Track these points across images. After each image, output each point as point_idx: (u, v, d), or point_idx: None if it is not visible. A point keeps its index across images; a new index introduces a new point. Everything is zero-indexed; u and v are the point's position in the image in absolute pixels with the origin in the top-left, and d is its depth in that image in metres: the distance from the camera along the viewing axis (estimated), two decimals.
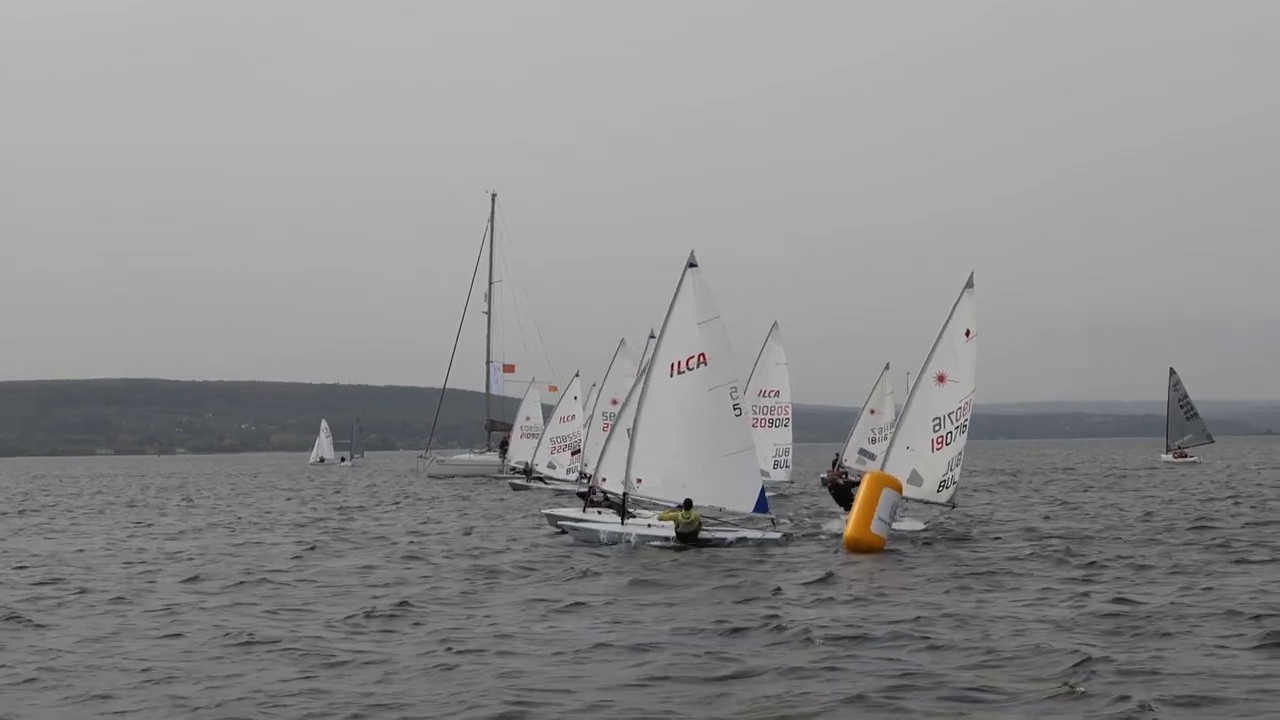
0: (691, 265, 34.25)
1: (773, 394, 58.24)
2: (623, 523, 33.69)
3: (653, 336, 54.77)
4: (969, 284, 35.59)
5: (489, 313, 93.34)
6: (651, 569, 27.92)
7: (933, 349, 35.42)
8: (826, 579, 25.54)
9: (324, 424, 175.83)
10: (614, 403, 58.14)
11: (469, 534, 38.56)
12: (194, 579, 27.43)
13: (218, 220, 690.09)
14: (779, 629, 19.38)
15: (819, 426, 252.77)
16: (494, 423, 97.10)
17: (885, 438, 71.17)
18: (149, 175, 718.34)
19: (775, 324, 58.54)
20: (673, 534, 32.52)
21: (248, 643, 19.06)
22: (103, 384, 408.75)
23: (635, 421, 33.84)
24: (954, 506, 36.30)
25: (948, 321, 35.41)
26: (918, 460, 35.21)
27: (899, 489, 32.82)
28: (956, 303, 35.54)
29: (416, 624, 20.83)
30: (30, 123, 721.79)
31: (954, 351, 35.26)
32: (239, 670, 17.08)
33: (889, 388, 72.13)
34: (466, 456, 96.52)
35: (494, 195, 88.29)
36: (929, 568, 27.54)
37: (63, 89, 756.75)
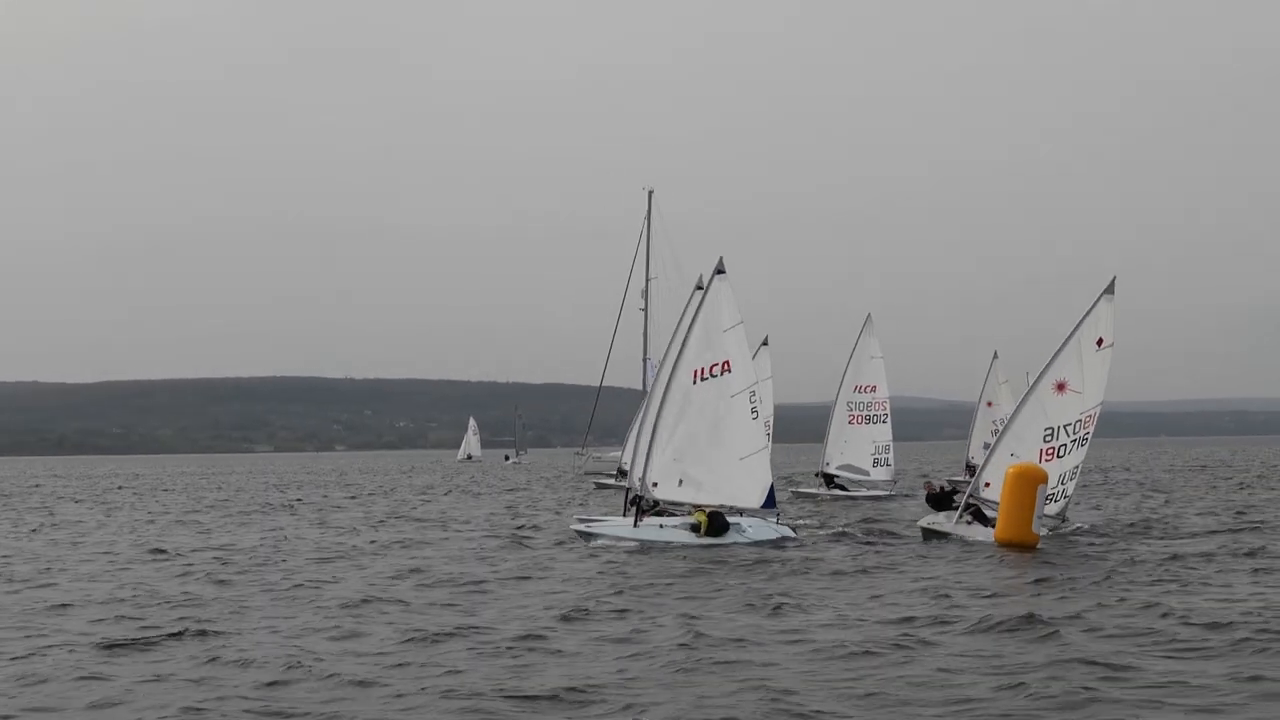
0: (720, 272, 34.28)
1: (869, 389, 57.17)
2: (635, 525, 33.46)
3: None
4: (1109, 289, 32.99)
5: (646, 309, 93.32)
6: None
7: (1056, 354, 32.93)
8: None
9: (471, 421, 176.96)
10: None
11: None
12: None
13: (374, 231, 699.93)
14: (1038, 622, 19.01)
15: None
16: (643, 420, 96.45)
17: None
18: (311, 193, 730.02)
19: (869, 316, 57.58)
20: (694, 535, 32.56)
21: None
22: (256, 382, 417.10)
23: (655, 426, 33.88)
24: (1064, 521, 33.78)
25: (1078, 326, 32.93)
26: None
27: (1045, 479, 31.37)
28: (1092, 308, 32.94)
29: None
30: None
31: (1080, 359, 32.73)
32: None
33: (1002, 376, 70.79)
34: (618, 454, 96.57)
35: (650, 192, 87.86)
36: None
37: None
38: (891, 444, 57.04)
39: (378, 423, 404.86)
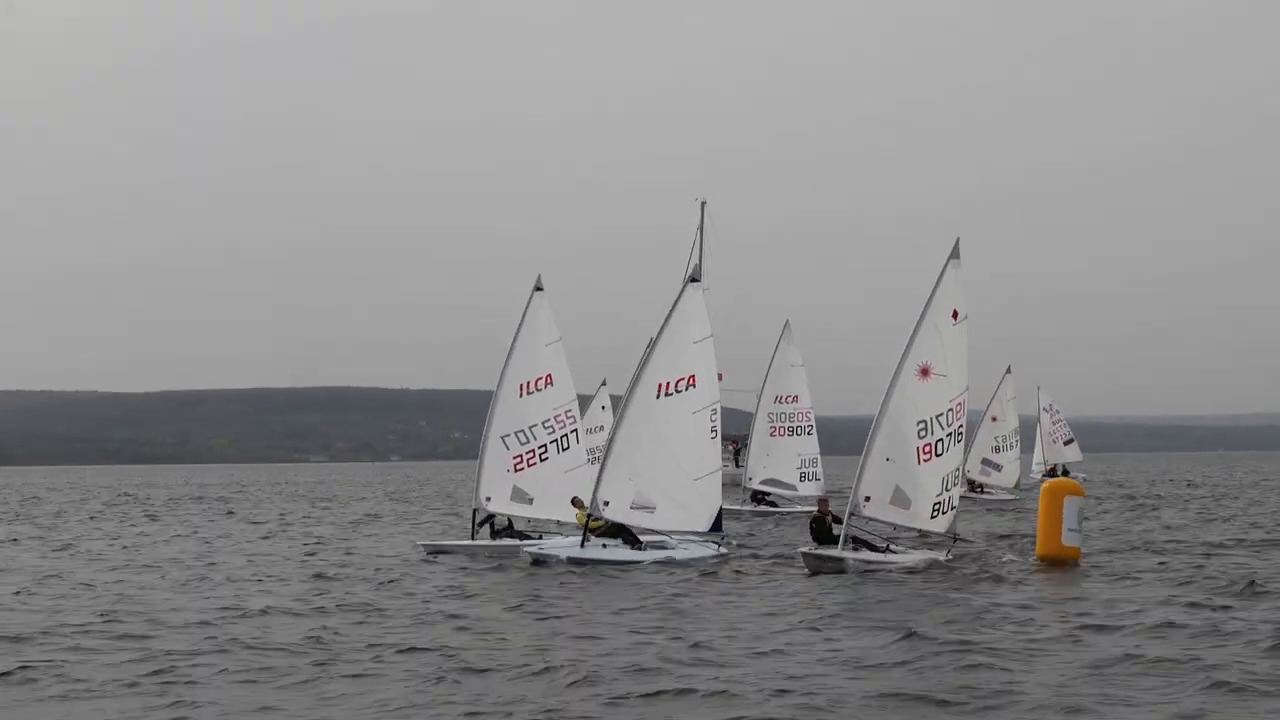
0: (694, 280, 33.02)
1: (791, 400, 53.96)
2: (583, 545, 31.85)
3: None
4: (954, 254, 29.68)
5: None
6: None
7: (913, 335, 29.53)
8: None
9: None
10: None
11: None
12: None
13: (430, 241, 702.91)
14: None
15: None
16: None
17: (1011, 446, 68.96)
18: (369, 205, 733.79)
19: (787, 323, 54.21)
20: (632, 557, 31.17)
21: None
22: (312, 392, 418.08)
23: (612, 440, 32.25)
24: (957, 540, 30.56)
25: (930, 301, 29.54)
26: (901, 474, 29.41)
27: (1082, 494, 30.40)
28: (940, 278, 29.64)
29: None
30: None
31: (939, 338, 29.39)
32: None
33: (1011, 393, 69.72)
34: None
35: (703, 203, 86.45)
36: None
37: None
38: (819, 456, 54.22)
39: (433, 433, 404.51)
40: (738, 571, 29.74)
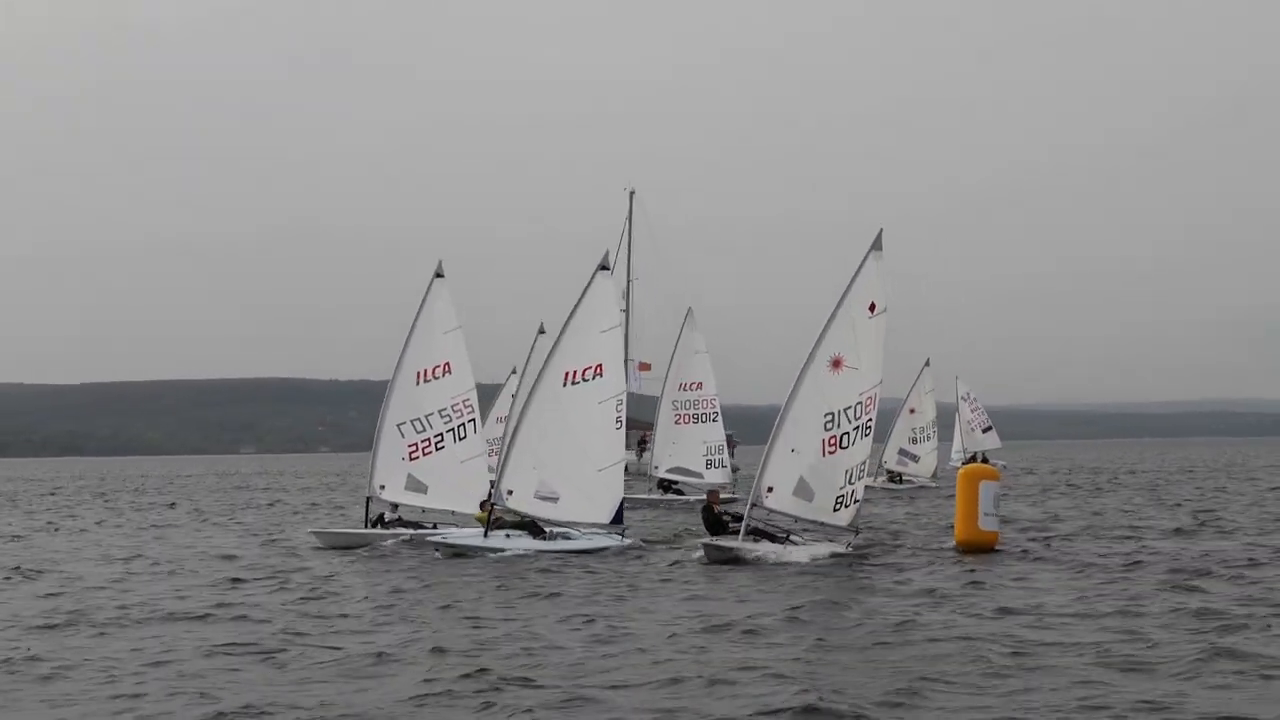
0: (603, 268, 32.63)
1: (695, 386, 53.32)
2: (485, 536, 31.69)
3: (543, 332, 52.06)
4: (875, 245, 29.16)
5: (627, 311, 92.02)
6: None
7: (827, 324, 28.90)
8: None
9: None
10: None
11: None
12: None
13: (360, 235, 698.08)
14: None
15: None
16: (631, 421, 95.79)
17: (928, 437, 69.94)
18: (299, 197, 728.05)
19: (690, 310, 53.55)
20: (536, 545, 31.18)
21: None
22: (243, 383, 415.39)
23: (517, 429, 32.12)
24: (858, 533, 30.19)
25: (847, 290, 28.96)
26: (805, 466, 28.87)
27: (998, 478, 30.50)
28: (859, 268, 29.03)
29: None
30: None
31: (853, 329, 28.77)
32: None
33: (929, 385, 70.49)
34: None
35: (632, 192, 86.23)
36: None
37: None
38: (725, 444, 54.04)
39: (363, 424, 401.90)
40: (640, 548, 30.33)
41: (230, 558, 32.83)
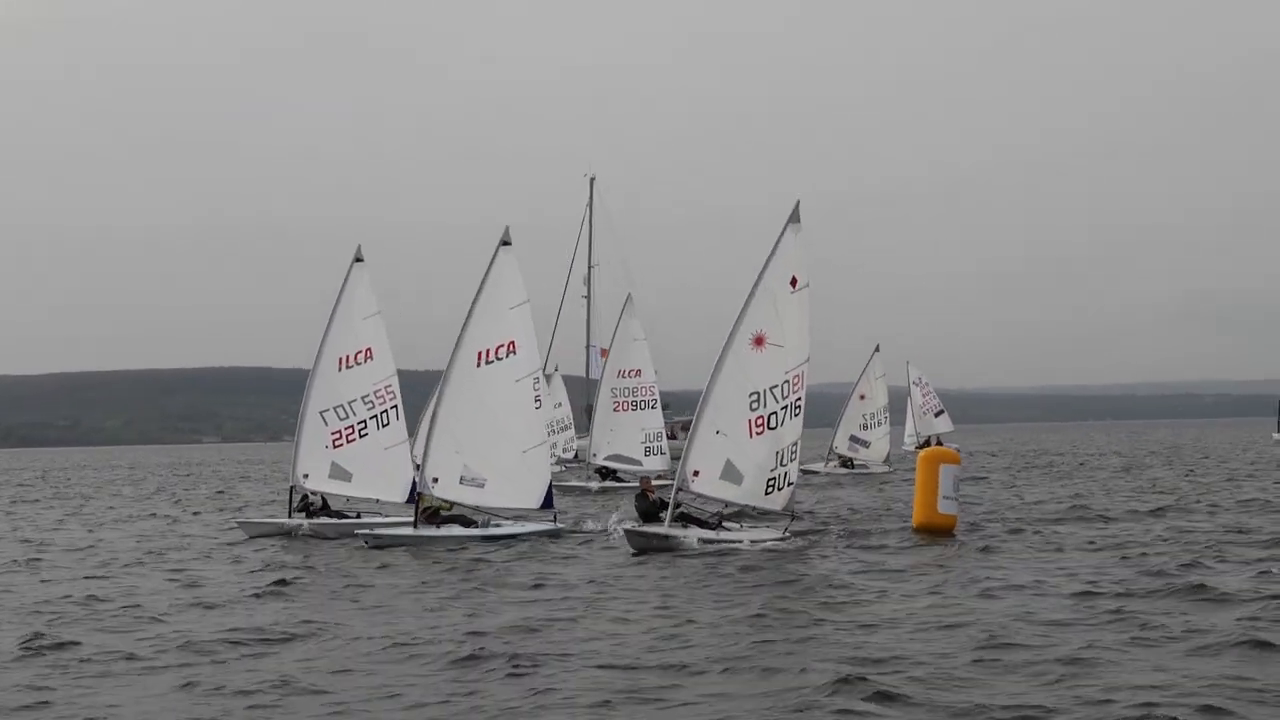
0: (505, 243, 31.77)
1: (633, 374, 53.18)
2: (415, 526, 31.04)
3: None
4: (793, 217, 27.91)
5: (589, 297, 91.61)
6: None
7: (747, 301, 27.84)
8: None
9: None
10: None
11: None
12: None
13: (329, 226, 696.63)
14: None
15: None
16: (591, 408, 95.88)
17: (879, 423, 69.30)
18: (266, 189, 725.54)
19: (629, 297, 53.65)
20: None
21: None
22: (205, 372, 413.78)
23: (435, 413, 31.38)
24: (795, 518, 29.33)
25: (766, 265, 27.85)
26: (732, 449, 27.82)
27: (958, 461, 30.05)
28: (777, 242, 27.86)
29: None
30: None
31: (774, 305, 27.72)
32: None
33: (880, 370, 69.97)
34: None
35: (592, 179, 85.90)
36: None
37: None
38: (664, 431, 53.82)
39: None
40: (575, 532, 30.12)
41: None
